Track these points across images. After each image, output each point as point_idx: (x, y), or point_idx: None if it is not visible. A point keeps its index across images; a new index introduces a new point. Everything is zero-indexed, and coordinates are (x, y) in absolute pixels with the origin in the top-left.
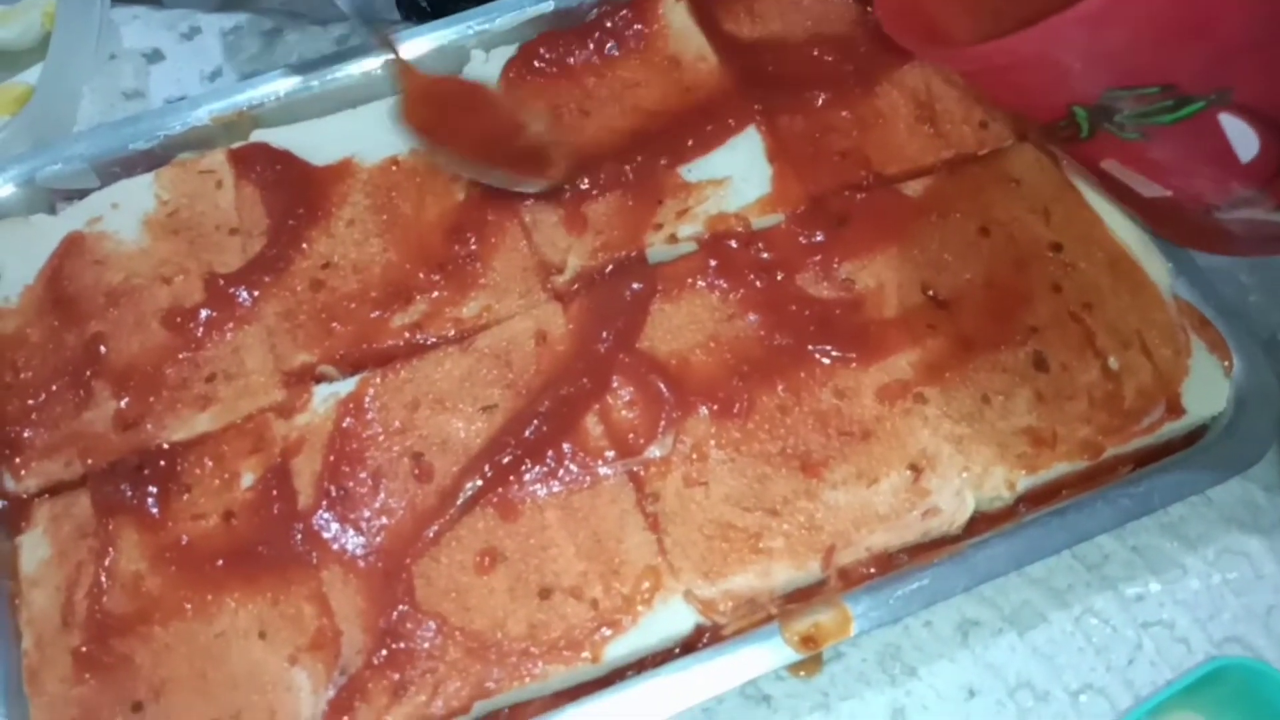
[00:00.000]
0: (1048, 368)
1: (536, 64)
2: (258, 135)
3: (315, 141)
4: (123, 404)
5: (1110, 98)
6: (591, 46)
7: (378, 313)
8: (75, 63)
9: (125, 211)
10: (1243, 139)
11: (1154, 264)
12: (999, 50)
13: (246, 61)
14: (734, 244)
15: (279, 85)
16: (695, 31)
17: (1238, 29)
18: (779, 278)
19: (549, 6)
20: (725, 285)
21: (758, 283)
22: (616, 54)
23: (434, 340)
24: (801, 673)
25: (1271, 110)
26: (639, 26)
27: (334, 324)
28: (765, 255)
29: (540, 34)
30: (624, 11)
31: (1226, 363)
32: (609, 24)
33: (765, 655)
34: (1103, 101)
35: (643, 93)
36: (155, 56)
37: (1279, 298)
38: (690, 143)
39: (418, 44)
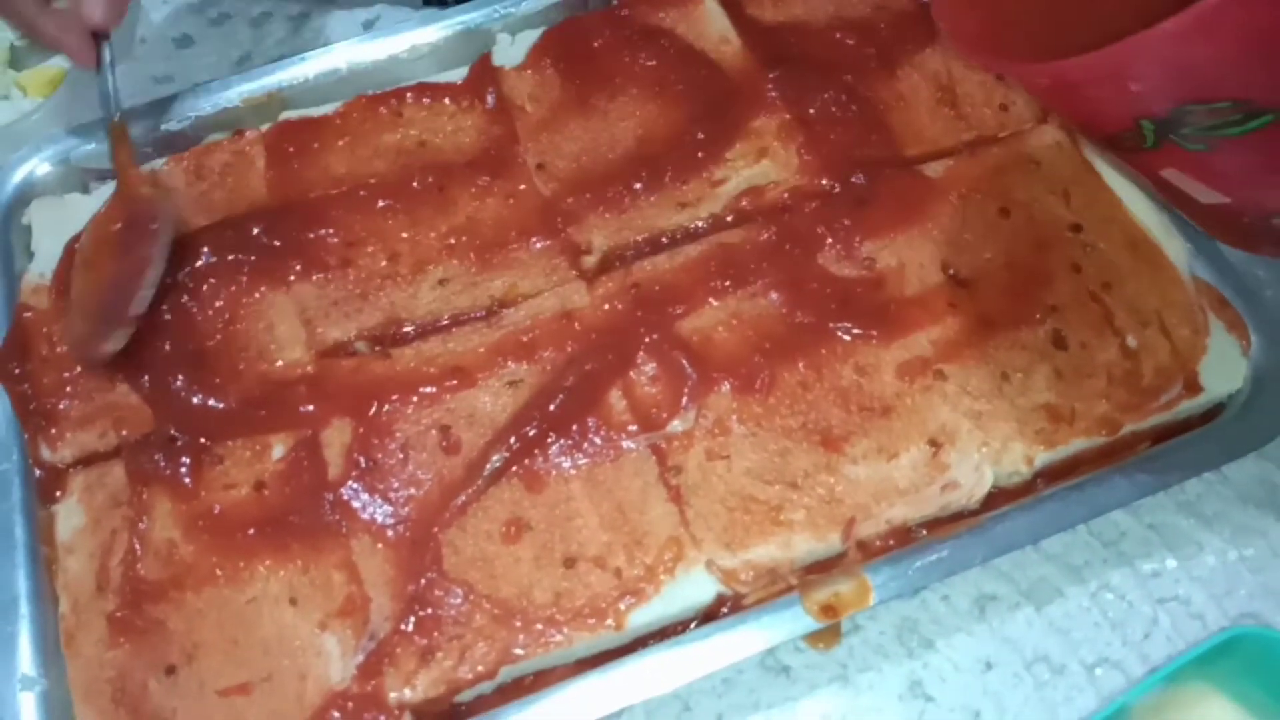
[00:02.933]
0: (1067, 346)
1: (561, 48)
2: (286, 117)
3: None
4: None
5: (1180, 112)
6: (618, 30)
7: (408, 290)
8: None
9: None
10: None
11: (1173, 245)
12: (1076, 67)
13: (274, 46)
14: (756, 223)
15: (307, 68)
16: (720, 13)
17: None
18: (801, 256)
19: None
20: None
21: (780, 261)
22: (643, 39)
23: (463, 316)
24: (820, 645)
25: None
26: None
27: (365, 300)
28: (788, 234)
29: (566, 18)
30: None
31: (1244, 342)
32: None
33: (785, 624)
34: (1172, 115)
35: (669, 77)
36: (185, 41)
37: None
38: (715, 129)
39: (442, 28)
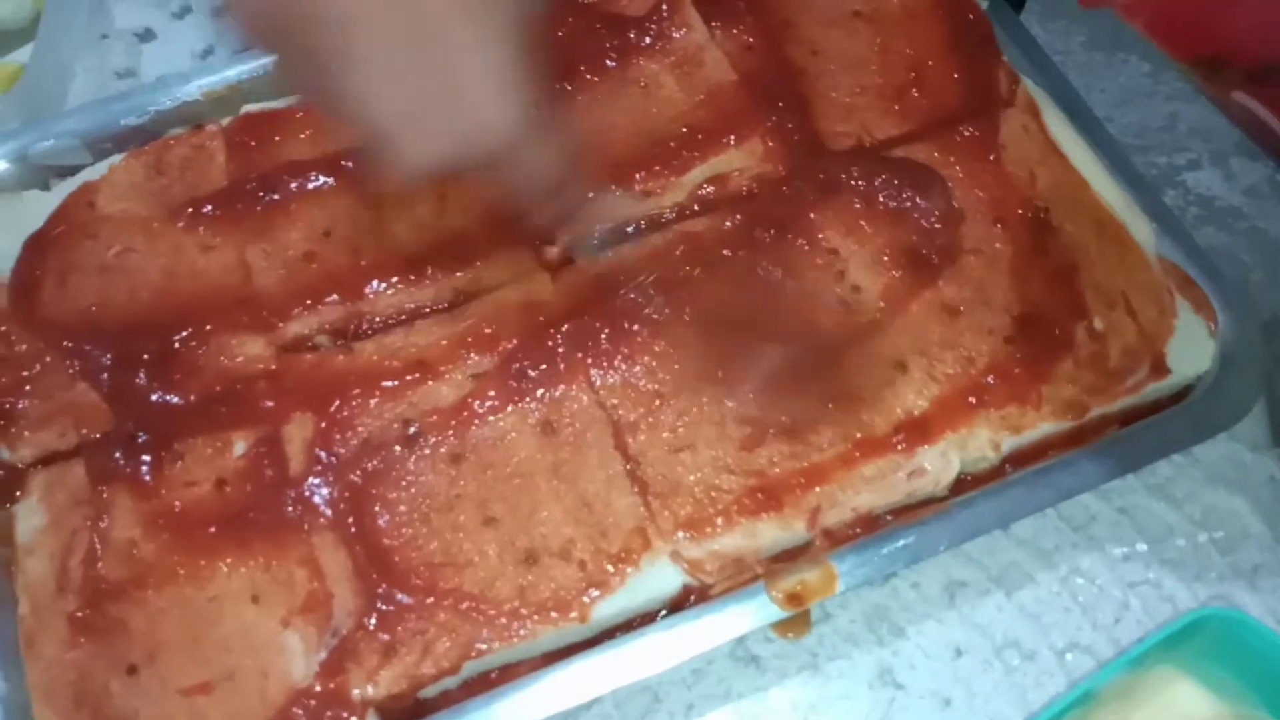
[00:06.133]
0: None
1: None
2: (248, 110)
3: None
4: None
5: None
6: (582, 19)
7: (370, 283)
8: (66, 41)
9: (117, 186)
10: None
11: (1139, 226)
12: None
13: (238, 39)
14: (721, 211)
15: (269, 60)
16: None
17: None
18: (766, 245)
19: None
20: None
21: (743, 250)
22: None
23: (425, 309)
24: (790, 634)
25: None
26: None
27: (327, 294)
28: (749, 224)
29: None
30: None
31: (1211, 323)
32: None
33: (752, 613)
34: None
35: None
36: (147, 36)
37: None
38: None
39: None
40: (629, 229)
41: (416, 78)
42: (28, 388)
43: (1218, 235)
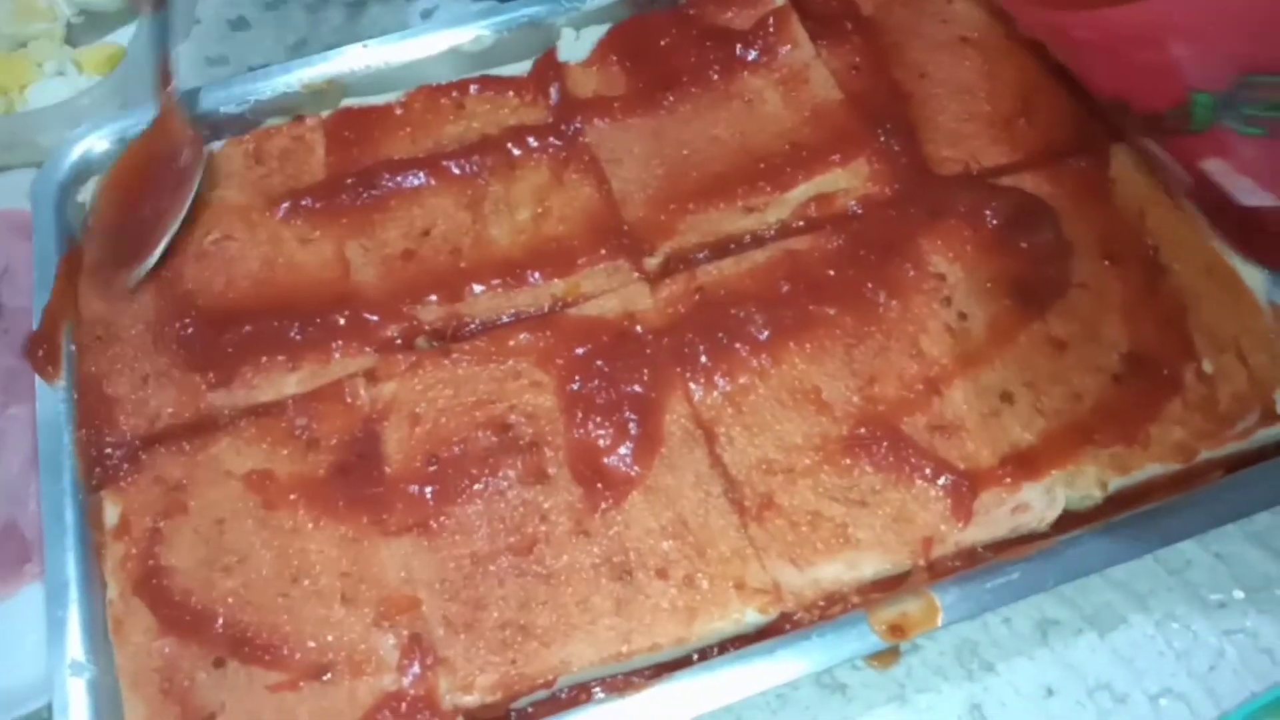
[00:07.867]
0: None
1: (627, 45)
2: (347, 104)
3: None
4: None
5: (1242, 84)
6: (686, 29)
7: (468, 285)
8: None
9: (215, 173)
10: None
11: (1250, 271)
12: (1131, 17)
13: (330, 33)
14: (825, 230)
15: (370, 55)
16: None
17: None
18: (869, 269)
19: None
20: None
21: (848, 270)
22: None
23: (524, 314)
24: (878, 663)
25: None
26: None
27: (425, 294)
28: (855, 245)
29: (632, 15)
30: None
31: None
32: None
33: (847, 643)
34: (1232, 88)
35: (741, 84)
36: (240, 24)
37: None
38: (799, 171)
39: (506, 21)
40: (730, 244)
41: None
42: (124, 372)
43: None
